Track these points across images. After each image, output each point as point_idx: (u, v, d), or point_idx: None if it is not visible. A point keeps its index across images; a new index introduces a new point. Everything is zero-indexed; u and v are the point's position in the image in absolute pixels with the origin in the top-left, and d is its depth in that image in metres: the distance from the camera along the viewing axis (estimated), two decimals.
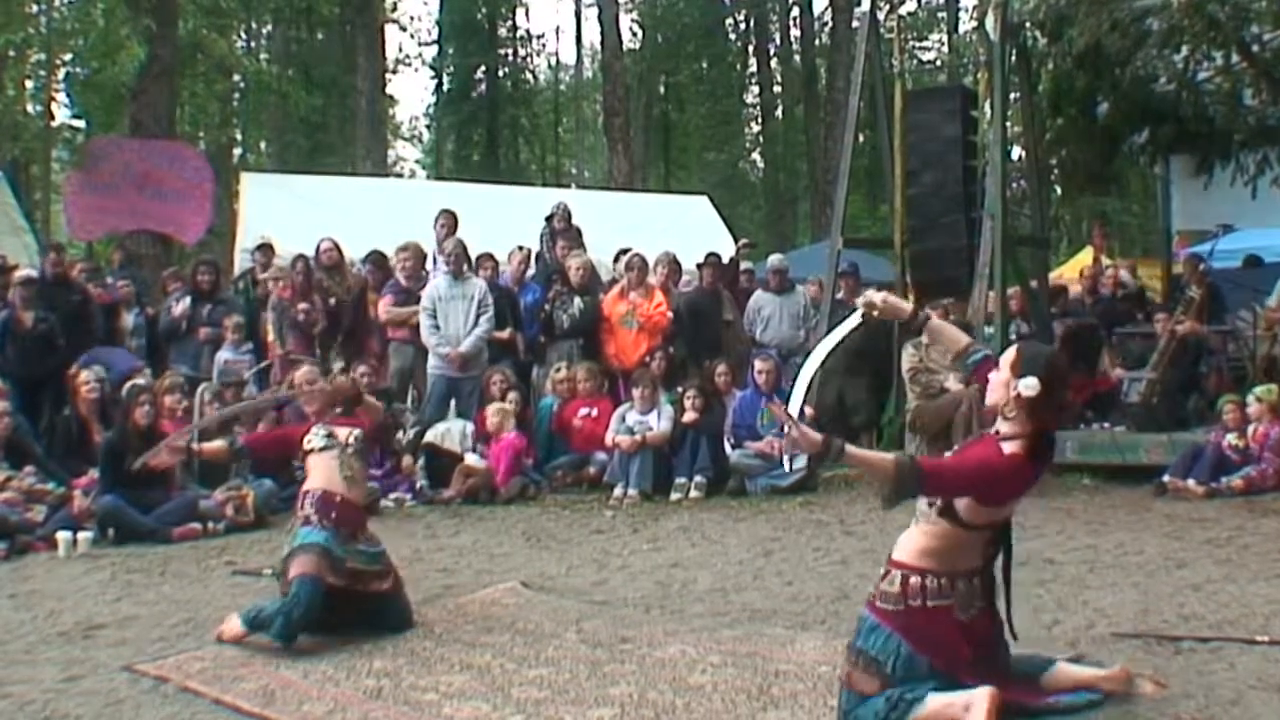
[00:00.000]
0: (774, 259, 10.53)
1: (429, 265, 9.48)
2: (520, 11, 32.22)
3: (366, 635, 4.44)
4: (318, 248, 9.56)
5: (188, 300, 9.24)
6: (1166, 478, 7.59)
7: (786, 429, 3.13)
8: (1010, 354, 3.37)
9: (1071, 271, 12.51)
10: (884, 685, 3.18)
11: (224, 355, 8.89)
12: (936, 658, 3.21)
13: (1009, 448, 3.27)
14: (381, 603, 4.58)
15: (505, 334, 9.16)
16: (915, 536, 3.35)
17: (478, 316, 8.76)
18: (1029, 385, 3.22)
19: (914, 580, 3.27)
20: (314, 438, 4.75)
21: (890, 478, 3.14)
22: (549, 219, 10.35)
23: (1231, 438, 7.66)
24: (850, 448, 3.14)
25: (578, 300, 9.14)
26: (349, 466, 4.68)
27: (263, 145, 27.83)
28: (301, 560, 4.37)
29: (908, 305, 3.86)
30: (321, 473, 4.67)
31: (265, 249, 9.95)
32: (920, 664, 3.20)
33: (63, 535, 6.33)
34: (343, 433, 4.79)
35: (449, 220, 9.89)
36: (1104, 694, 3.46)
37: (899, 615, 3.24)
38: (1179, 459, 7.73)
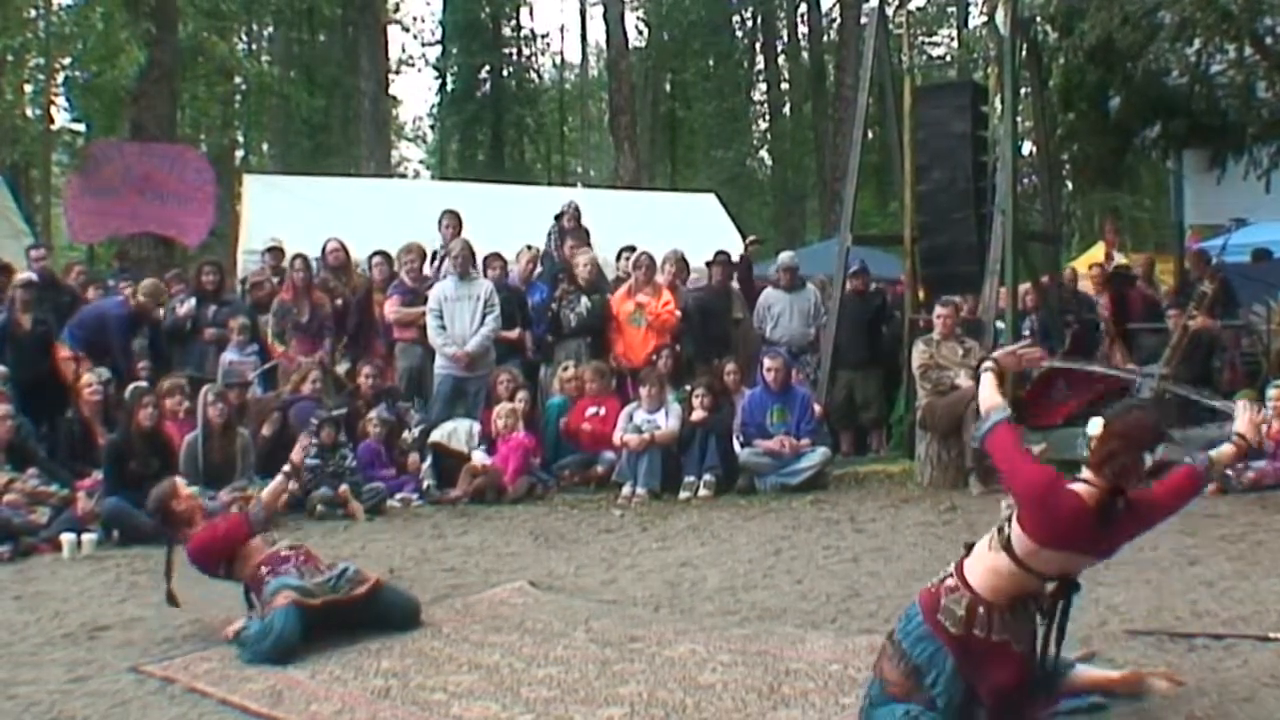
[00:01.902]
0: (785, 256, 10.49)
1: (428, 267, 9.46)
2: (524, 11, 32.26)
3: (374, 635, 4.41)
4: (324, 248, 9.57)
5: (192, 301, 9.23)
6: None
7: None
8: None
9: (1082, 267, 12.43)
10: (914, 692, 3.11)
11: (229, 356, 8.89)
12: (980, 685, 3.10)
13: (1074, 486, 3.12)
14: (374, 605, 4.51)
15: (513, 334, 9.14)
16: (987, 561, 3.17)
17: (484, 316, 8.74)
18: (1094, 425, 3.19)
19: (981, 611, 3.11)
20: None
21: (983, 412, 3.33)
22: (558, 217, 10.33)
23: None
24: (988, 370, 3.52)
25: (585, 299, 9.11)
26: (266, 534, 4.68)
27: (265, 147, 27.86)
28: (280, 597, 4.32)
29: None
30: (258, 551, 4.60)
31: (275, 251, 9.95)
32: (960, 688, 3.08)
33: (67, 537, 6.33)
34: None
35: (453, 221, 9.88)
36: (1112, 696, 3.43)
37: (958, 639, 3.10)
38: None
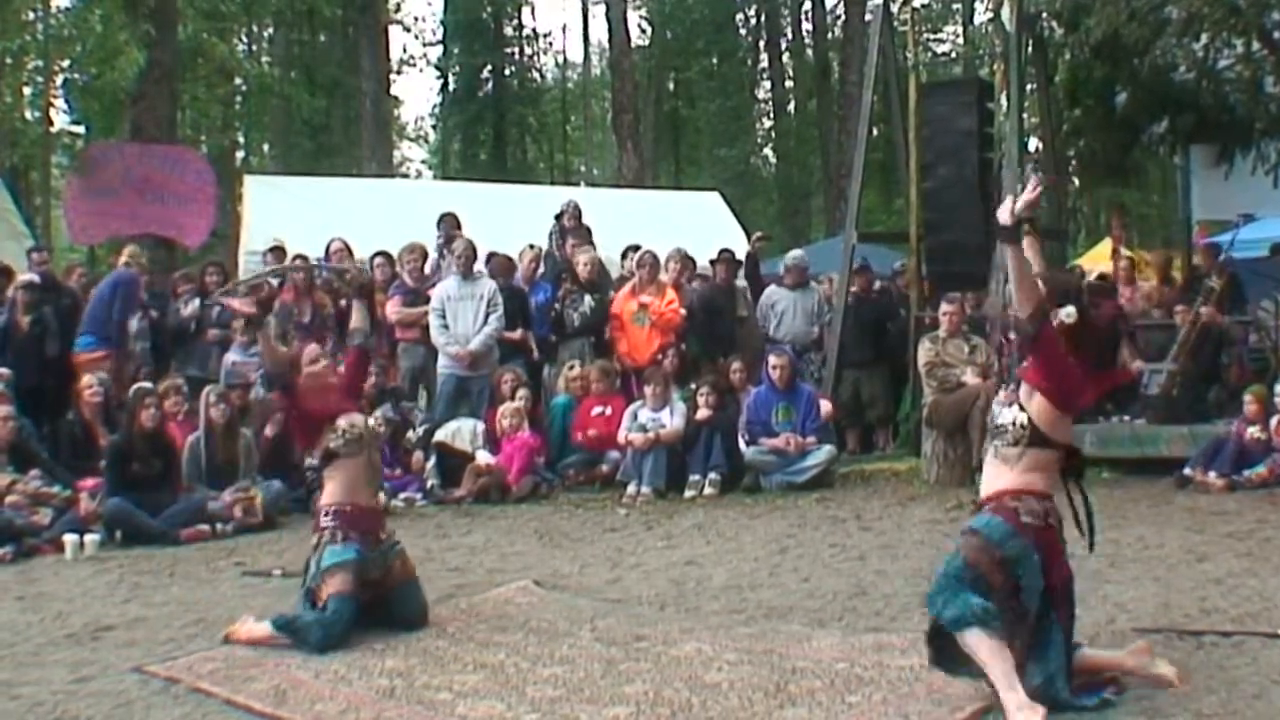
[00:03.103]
0: (792, 255, 10.46)
1: (428, 268, 9.44)
2: (526, 10, 32.25)
3: (379, 635, 4.40)
4: (327, 248, 9.55)
5: (197, 302, 9.23)
6: (1187, 470, 7.51)
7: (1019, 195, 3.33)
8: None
9: (1091, 263, 12.38)
10: (999, 585, 3.28)
11: (231, 357, 8.88)
12: (1051, 578, 3.36)
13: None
14: (402, 592, 4.55)
15: (517, 334, 9.12)
16: (1014, 466, 3.45)
17: (487, 315, 8.72)
18: (1069, 313, 3.35)
19: (1046, 503, 3.42)
20: (337, 438, 4.55)
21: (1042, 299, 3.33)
22: (558, 217, 10.31)
23: (1253, 430, 7.56)
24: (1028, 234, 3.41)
25: (588, 298, 9.09)
26: (372, 463, 4.61)
27: (266, 148, 27.85)
28: (337, 579, 4.34)
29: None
30: (340, 483, 4.55)
31: (277, 251, 9.93)
32: (1040, 581, 3.33)
33: (70, 538, 6.32)
34: (364, 424, 4.63)
35: (451, 222, 9.85)
36: (1120, 690, 3.44)
37: (1040, 531, 3.36)
38: (1200, 451, 7.64)
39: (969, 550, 3.32)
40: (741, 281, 9.99)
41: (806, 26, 30.36)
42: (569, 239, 10.00)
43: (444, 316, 8.70)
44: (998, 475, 3.50)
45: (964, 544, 3.37)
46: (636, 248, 9.70)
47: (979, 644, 3.21)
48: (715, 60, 30.74)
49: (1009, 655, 3.22)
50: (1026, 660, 3.28)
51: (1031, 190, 3.48)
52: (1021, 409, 3.46)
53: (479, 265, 9.25)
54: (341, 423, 4.57)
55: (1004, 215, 3.40)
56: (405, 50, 30.60)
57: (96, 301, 8.89)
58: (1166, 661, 3.60)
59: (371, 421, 4.73)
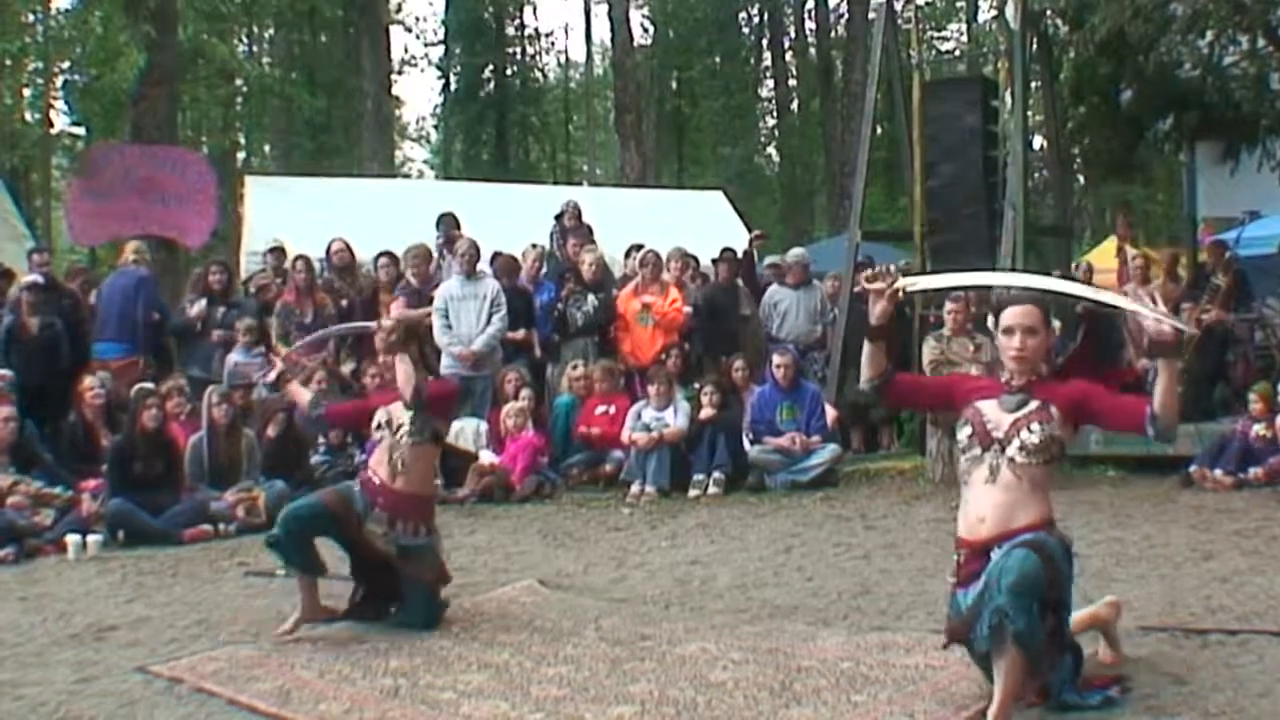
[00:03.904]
0: (795, 253, 10.44)
1: (431, 268, 9.43)
2: (528, 10, 32.23)
3: (383, 634, 4.40)
4: (328, 248, 9.54)
5: (203, 302, 9.22)
6: (1193, 468, 7.49)
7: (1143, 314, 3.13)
8: (1034, 312, 3.34)
9: (1096, 261, 12.34)
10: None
11: (235, 358, 8.87)
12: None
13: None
14: (409, 586, 4.54)
15: (520, 334, 9.10)
16: (1038, 490, 3.29)
17: (490, 315, 8.71)
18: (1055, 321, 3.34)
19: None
20: (378, 418, 4.71)
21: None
22: (559, 217, 10.30)
23: (1259, 427, 7.54)
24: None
25: (591, 298, 9.08)
26: (400, 454, 4.59)
27: (267, 149, 27.84)
28: (323, 490, 4.63)
29: None
30: (376, 455, 4.72)
31: (277, 252, 9.92)
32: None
33: (72, 538, 6.31)
34: (398, 417, 4.65)
35: (451, 222, 9.83)
36: (1124, 690, 3.42)
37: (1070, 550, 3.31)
38: (1205, 450, 7.62)
39: (1038, 565, 3.10)
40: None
41: (810, 25, 30.32)
42: (570, 239, 9.99)
43: (447, 316, 8.70)
44: (1021, 500, 3.27)
45: (1032, 558, 3.12)
46: (639, 247, 9.69)
47: (1021, 663, 3.07)
48: (718, 59, 30.68)
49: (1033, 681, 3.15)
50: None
51: (886, 300, 3.40)
52: (1042, 425, 3.28)
53: (482, 265, 9.25)
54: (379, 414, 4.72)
55: (872, 318, 3.45)
56: (406, 50, 30.69)
57: (123, 303, 8.90)
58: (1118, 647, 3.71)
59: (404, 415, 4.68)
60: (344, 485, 4.70)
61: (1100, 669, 3.58)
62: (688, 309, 9.25)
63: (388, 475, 4.56)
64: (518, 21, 31.92)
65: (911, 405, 3.41)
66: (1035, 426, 3.27)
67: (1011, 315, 3.36)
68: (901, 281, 3.38)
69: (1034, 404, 3.32)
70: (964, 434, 3.40)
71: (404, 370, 4.62)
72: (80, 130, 18.05)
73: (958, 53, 25.25)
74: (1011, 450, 3.27)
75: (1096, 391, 3.37)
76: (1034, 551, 3.09)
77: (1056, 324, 3.51)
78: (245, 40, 25.59)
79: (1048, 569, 3.07)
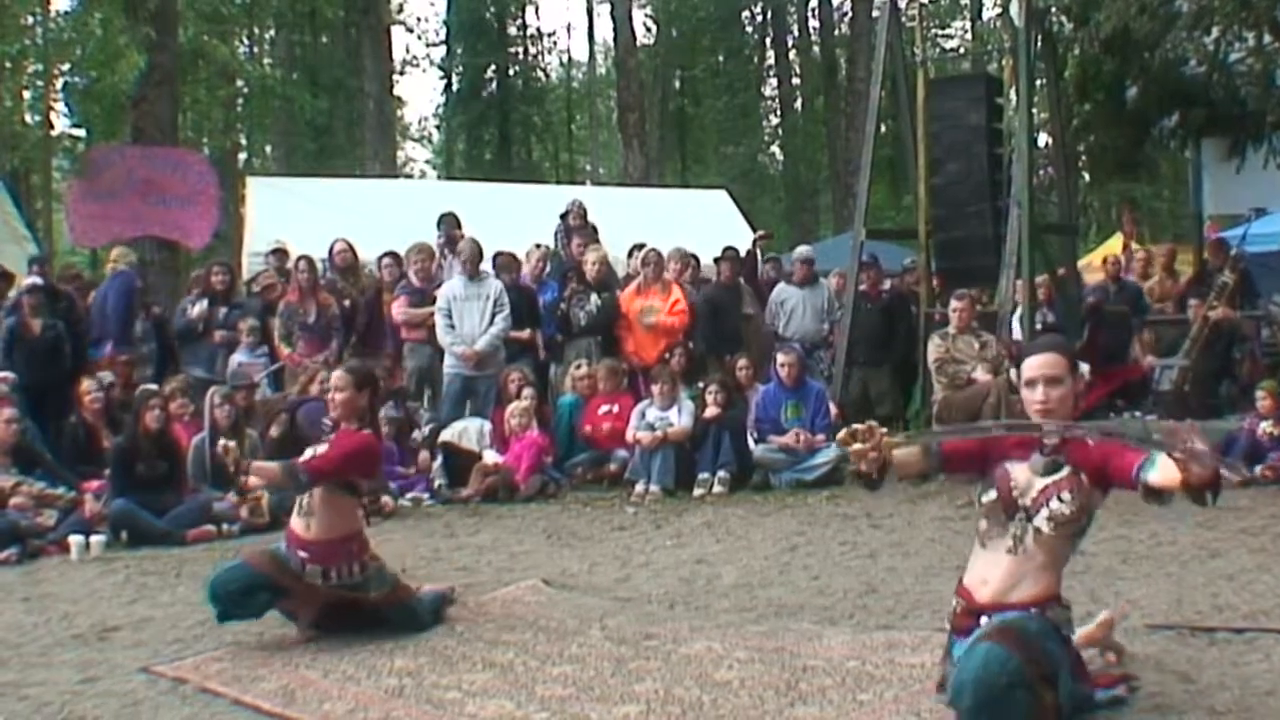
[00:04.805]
0: (801, 250, 10.41)
1: (433, 268, 9.43)
2: (530, 9, 32.26)
3: (387, 634, 4.38)
4: (331, 249, 9.54)
5: (205, 303, 9.23)
6: None
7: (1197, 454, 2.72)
8: (1059, 361, 3.12)
9: (1096, 261, 12.33)
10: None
11: (238, 358, 8.89)
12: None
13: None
14: (381, 610, 4.45)
15: (525, 334, 9.09)
16: (1058, 565, 3.08)
17: (493, 316, 8.70)
18: (1083, 368, 3.18)
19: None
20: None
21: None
22: (564, 216, 10.29)
23: (1266, 425, 7.51)
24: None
25: (595, 297, 9.06)
26: (308, 503, 4.46)
27: (268, 150, 27.88)
28: (254, 553, 4.46)
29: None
30: (294, 509, 4.55)
31: (280, 253, 9.93)
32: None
33: (75, 539, 6.30)
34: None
35: (452, 222, 9.82)
36: (1131, 689, 3.38)
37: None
38: (1212, 447, 7.56)
39: (1001, 660, 2.86)
40: None
41: (813, 23, 30.34)
42: (575, 238, 9.97)
43: (450, 316, 8.69)
44: (1031, 573, 3.06)
45: (995, 651, 2.89)
46: (641, 246, 9.68)
47: None
48: (721, 58, 30.70)
49: None
50: None
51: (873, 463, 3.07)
52: (1073, 495, 3.03)
53: (485, 264, 9.24)
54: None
55: (864, 469, 3.11)
56: (408, 51, 30.78)
57: (122, 309, 8.97)
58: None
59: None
60: (271, 546, 4.51)
61: (1106, 668, 3.56)
62: (689, 307, 9.22)
63: (302, 527, 4.44)
64: (520, 21, 31.97)
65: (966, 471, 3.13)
66: (1066, 496, 3.03)
67: (1032, 367, 3.14)
68: (888, 442, 3.08)
69: (1066, 470, 3.07)
70: (988, 497, 3.14)
71: (266, 474, 4.61)
72: (81, 132, 18.07)
73: (962, 50, 25.26)
74: (1039, 520, 3.04)
75: (1114, 451, 3.08)
76: (999, 643, 2.87)
77: (1085, 368, 3.22)
78: (246, 41, 25.58)
79: (1022, 651, 2.85)
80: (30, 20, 14.21)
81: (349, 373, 4.71)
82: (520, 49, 31.86)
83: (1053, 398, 3.09)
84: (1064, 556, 3.08)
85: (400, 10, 28.85)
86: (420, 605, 4.55)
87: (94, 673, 4.06)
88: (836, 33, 28.74)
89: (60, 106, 16.87)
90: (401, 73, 29.40)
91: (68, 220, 13.81)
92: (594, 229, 10.18)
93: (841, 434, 3.12)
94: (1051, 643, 2.98)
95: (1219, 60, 9.48)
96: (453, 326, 8.67)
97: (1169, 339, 9.23)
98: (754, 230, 12.98)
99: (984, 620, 3.03)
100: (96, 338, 8.97)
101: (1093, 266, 11.81)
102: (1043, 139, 10.28)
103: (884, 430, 3.07)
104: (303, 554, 4.39)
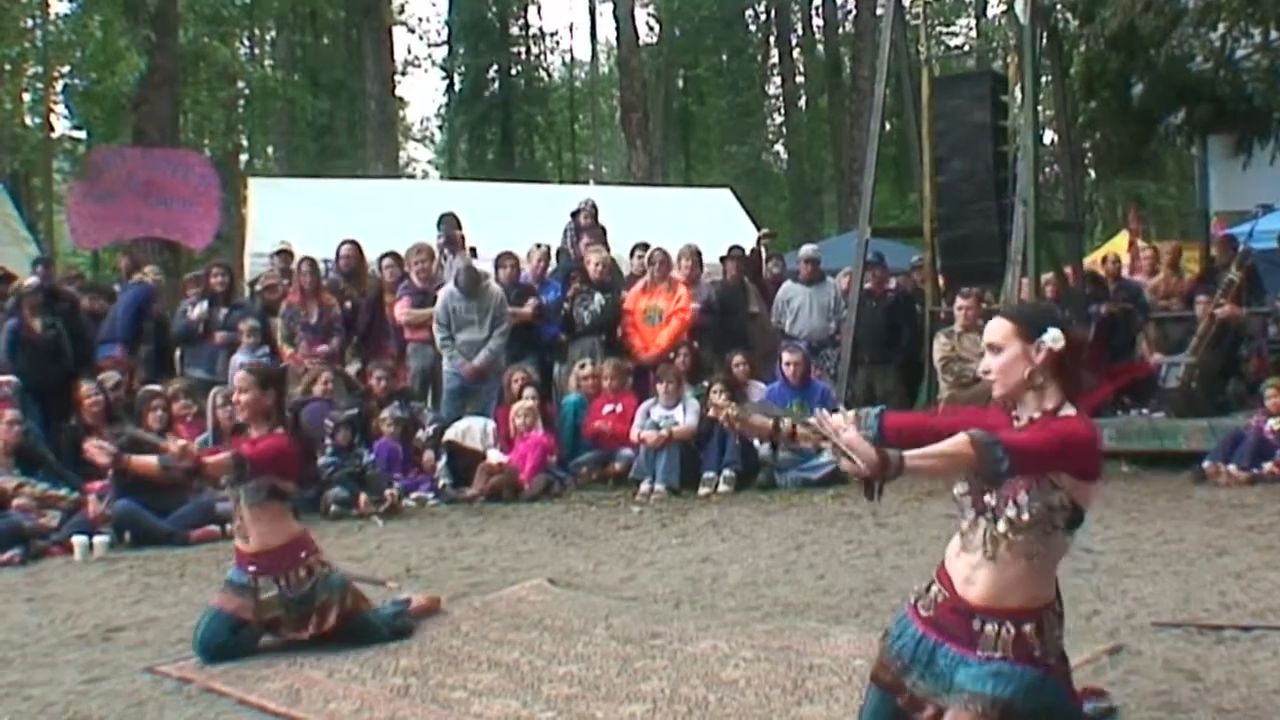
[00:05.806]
0: (807, 249, 10.39)
1: (434, 268, 9.41)
2: (532, 9, 32.28)
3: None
4: (338, 250, 9.52)
5: (205, 304, 9.23)
6: (1206, 464, 7.43)
7: (831, 441, 2.53)
8: (1002, 326, 2.80)
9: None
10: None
11: (239, 359, 8.87)
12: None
13: (1070, 412, 2.73)
14: (347, 628, 4.31)
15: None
16: (1050, 565, 2.77)
17: (492, 328, 8.66)
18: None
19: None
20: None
21: (975, 462, 2.53)
22: (575, 214, 10.25)
23: (1273, 422, 7.49)
24: (909, 455, 2.51)
25: (598, 296, 9.05)
26: (241, 516, 4.37)
27: (270, 151, 27.91)
28: (220, 595, 4.34)
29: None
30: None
31: (284, 254, 9.92)
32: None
33: (79, 540, 6.29)
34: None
35: (452, 222, 9.79)
36: (1107, 707, 3.28)
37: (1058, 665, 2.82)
38: (1219, 445, 7.57)
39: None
40: None
41: (817, 21, 30.32)
42: (584, 237, 9.95)
43: (448, 327, 8.64)
44: (1016, 578, 2.74)
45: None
46: (644, 246, 9.65)
47: None
48: (725, 56, 30.69)
49: None
50: None
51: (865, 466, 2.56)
52: (1030, 495, 2.67)
53: (486, 266, 9.20)
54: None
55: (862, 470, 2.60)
56: (410, 51, 30.83)
57: (130, 316, 9.07)
58: None
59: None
60: (227, 577, 4.39)
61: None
62: (695, 305, 9.21)
63: (243, 544, 4.37)
64: (522, 21, 31.97)
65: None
66: (1023, 498, 2.66)
67: (985, 334, 2.88)
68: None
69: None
70: (959, 489, 2.83)
71: (220, 467, 4.36)
72: (81, 134, 18.11)
73: (967, 48, 25.26)
74: (1002, 525, 2.70)
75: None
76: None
77: (1054, 334, 2.69)
78: (247, 43, 25.62)
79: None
80: (30, 22, 14.23)
81: (251, 373, 4.49)
82: (522, 49, 31.87)
83: (992, 366, 2.80)
84: (1051, 551, 2.74)
85: (402, 11, 28.91)
86: (376, 617, 4.41)
87: (98, 673, 4.06)
88: (840, 31, 28.72)
89: (60, 108, 16.91)
90: (403, 73, 29.47)
91: (69, 222, 13.85)
92: (603, 230, 10.16)
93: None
94: (1045, 693, 2.71)
95: (1225, 56, 9.42)
96: (451, 339, 8.62)
97: (1175, 336, 9.20)
98: (758, 229, 12.97)
99: (977, 623, 2.75)
100: (106, 339, 8.98)
101: (1095, 265, 11.78)
102: (1048, 136, 10.23)
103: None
104: (251, 568, 4.30)
